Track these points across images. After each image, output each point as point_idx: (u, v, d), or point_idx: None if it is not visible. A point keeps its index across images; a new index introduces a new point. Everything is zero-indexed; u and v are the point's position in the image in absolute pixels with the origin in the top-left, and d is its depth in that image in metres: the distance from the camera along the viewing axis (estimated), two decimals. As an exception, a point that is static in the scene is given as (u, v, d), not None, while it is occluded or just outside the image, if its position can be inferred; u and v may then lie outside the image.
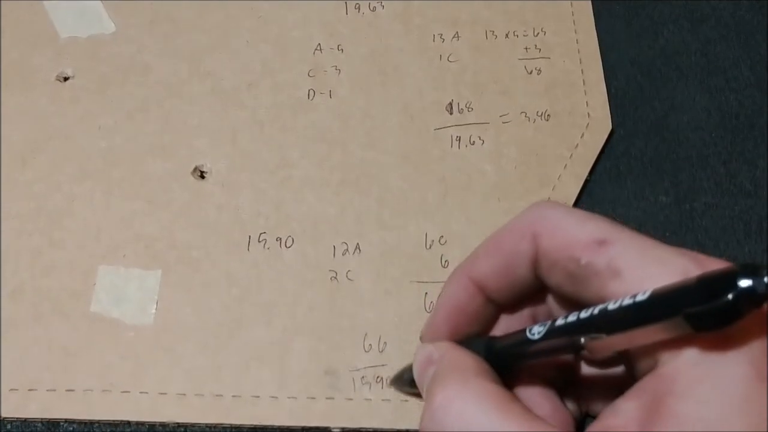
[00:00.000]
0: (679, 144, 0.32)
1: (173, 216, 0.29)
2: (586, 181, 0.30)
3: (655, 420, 0.17)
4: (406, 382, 0.24)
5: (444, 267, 0.28)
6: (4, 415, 0.25)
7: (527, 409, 0.18)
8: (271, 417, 0.25)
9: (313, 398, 0.25)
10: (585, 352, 0.18)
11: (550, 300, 0.23)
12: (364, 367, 0.26)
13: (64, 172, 0.30)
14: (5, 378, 0.26)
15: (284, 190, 0.29)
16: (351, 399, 0.25)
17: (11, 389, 0.25)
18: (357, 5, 0.34)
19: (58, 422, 0.25)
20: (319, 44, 0.33)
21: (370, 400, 0.25)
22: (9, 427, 0.25)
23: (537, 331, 0.20)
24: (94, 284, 0.27)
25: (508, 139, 0.31)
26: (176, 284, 0.27)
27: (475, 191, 0.29)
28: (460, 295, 0.23)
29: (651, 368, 0.18)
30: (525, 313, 0.23)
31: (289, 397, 0.25)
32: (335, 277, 0.27)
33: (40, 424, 0.25)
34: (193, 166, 0.30)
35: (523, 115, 0.31)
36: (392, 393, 0.25)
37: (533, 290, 0.22)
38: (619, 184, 0.31)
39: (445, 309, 0.23)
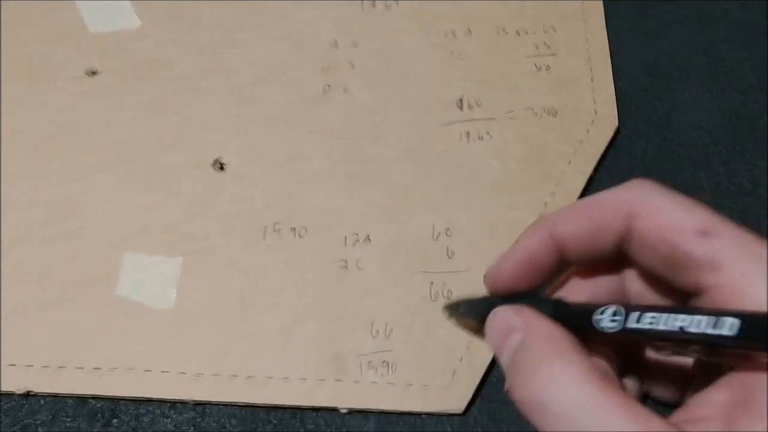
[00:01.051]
0: (681, 143, 0.32)
1: (192, 206, 0.30)
2: (591, 178, 0.31)
3: (743, 413, 0.17)
4: (461, 312, 0.25)
5: (450, 258, 0.29)
6: (37, 390, 0.27)
7: (623, 391, 0.19)
8: (283, 397, 0.27)
9: (323, 380, 0.27)
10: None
11: (626, 270, 0.23)
12: (371, 352, 0.27)
13: (88, 162, 0.31)
14: (37, 356, 0.27)
15: (297, 182, 0.31)
16: (358, 382, 0.27)
17: (43, 366, 0.27)
18: (373, 3, 0.35)
19: (87, 398, 0.27)
20: (335, 40, 0.34)
21: (377, 383, 0.27)
22: (42, 402, 0.27)
23: (608, 327, 0.20)
24: (119, 269, 0.29)
25: (514, 134, 0.32)
26: (195, 271, 0.29)
27: (481, 185, 0.31)
28: (537, 247, 0.23)
29: (740, 360, 0.18)
30: (594, 279, 0.24)
31: (299, 379, 0.27)
32: (345, 266, 0.29)
33: (70, 400, 0.27)
34: (212, 158, 0.31)
35: (530, 111, 0.32)
36: (397, 377, 0.27)
37: (609, 261, 0.23)
38: (621, 182, 0.31)
39: (517, 257, 0.23)
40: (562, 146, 0.32)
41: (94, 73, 0.34)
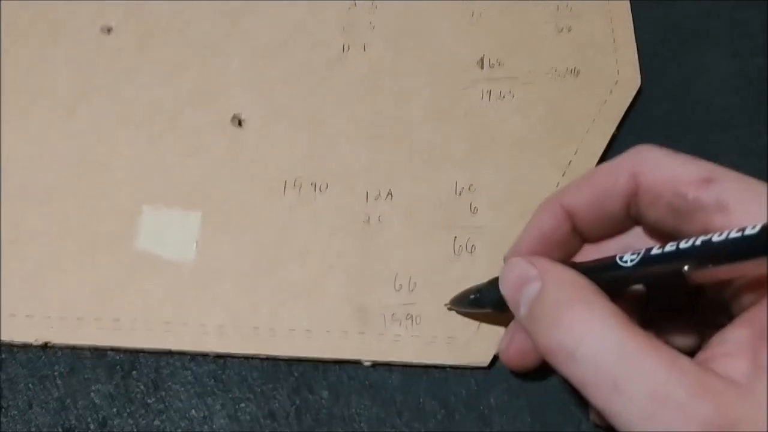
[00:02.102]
0: (703, 105, 0.32)
1: (212, 162, 0.30)
2: (614, 137, 0.31)
3: (763, 346, 0.17)
4: (469, 303, 0.25)
5: (473, 213, 0.29)
6: (54, 341, 0.27)
7: (648, 333, 0.18)
8: (306, 349, 0.26)
9: (346, 332, 0.26)
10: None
11: (635, 237, 0.24)
12: (395, 305, 0.27)
13: (108, 120, 0.31)
14: (55, 307, 0.27)
15: (318, 139, 0.30)
16: (382, 334, 0.26)
17: (61, 317, 0.27)
18: (392, -37, 0.35)
19: (105, 350, 0.27)
20: (354, 2, 0.34)
21: (400, 336, 0.26)
22: (60, 353, 0.27)
23: (629, 259, 0.20)
24: (138, 222, 0.28)
25: (536, 94, 0.31)
26: (215, 225, 0.29)
27: (503, 143, 0.30)
28: (548, 221, 0.24)
29: (756, 299, 0.19)
30: (608, 247, 0.24)
31: (322, 331, 0.27)
32: (367, 221, 0.28)
33: (88, 352, 0.27)
34: (231, 114, 0.31)
35: (553, 71, 0.32)
36: (421, 330, 0.27)
37: (621, 226, 0.23)
38: (643, 142, 0.31)
39: (532, 234, 0.24)
40: (585, 106, 0.31)
41: (109, 30, 0.33)
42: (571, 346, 0.18)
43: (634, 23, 0.33)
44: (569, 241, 0.24)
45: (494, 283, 0.24)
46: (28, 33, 0.33)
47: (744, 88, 0.32)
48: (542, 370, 0.26)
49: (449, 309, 0.27)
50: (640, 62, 0.32)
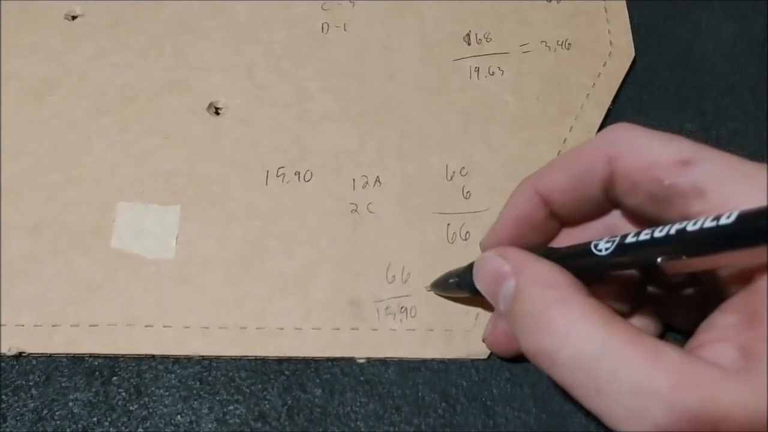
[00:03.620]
0: (705, 72, 0.31)
1: (191, 151, 0.28)
2: (609, 110, 0.29)
3: (751, 331, 0.17)
4: (450, 286, 0.24)
5: (466, 198, 0.27)
6: (29, 350, 0.25)
7: (631, 325, 0.18)
8: (296, 348, 0.25)
9: (338, 329, 0.25)
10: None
11: (617, 218, 0.23)
12: (388, 298, 0.26)
13: (79, 109, 0.29)
14: (28, 313, 0.25)
15: (302, 123, 0.29)
16: (375, 329, 0.25)
17: (35, 324, 0.25)
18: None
19: (83, 357, 0.25)
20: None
21: (395, 330, 0.25)
22: (34, 362, 0.25)
23: (604, 248, 0.19)
24: (114, 220, 0.27)
25: (528, 69, 0.30)
26: (196, 219, 0.27)
27: (496, 122, 0.29)
28: (524, 206, 0.23)
29: (742, 285, 0.18)
30: (588, 229, 0.23)
31: (313, 328, 0.25)
32: (356, 210, 0.27)
33: (65, 359, 0.25)
34: (208, 102, 0.29)
35: (544, 44, 0.31)
36: (417, 323, 0.25)
37: (599, 209, 0.22)
38: (643, 113, 0.30)
39: (507, 219, 0.23)
40: (579, 79, 0.30)
41: (74, 17, 0.31)
42: (552, 350, 0.18)
43: (626, -10, 0.32)
44: (547, 225, 0.23)
45: (472, 268, 0.22)
46: None
47: (745, 51, 0.31)
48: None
49: (428, 291, 0.26)
50: (635, 31, 0.31)
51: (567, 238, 0.24)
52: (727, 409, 0.16)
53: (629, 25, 0.31)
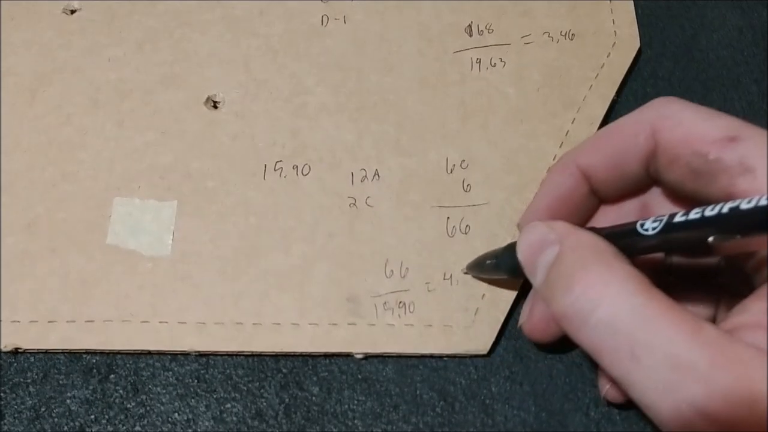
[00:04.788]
0: (710, 64, 0.30)
1: (187, 146, 0.28)
2: (614, 102, 0.29)
3: None
4: (487, 267, 0.24)
5: (466, 191, 0.27)
6: (25, 346, 0.25)
7: (670, 299, 0.17)
8: (293, 344, 0.25)
9: (335, 324, 0.25)
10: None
11: (655, 197, 0.22)
12: (386, 293, 0.25)
13: (74, 104, 0.29)
14: (24, 310, 0.25)
15: (300, 117, 0.28)
16: (373, 325, 0.25)
17: (31, 321, 0.25)
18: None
19: (81, 354, 0.25)
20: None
21: (393, 325, 0.25)
22: (32, 359, 0.25)
23: (651, 227, 0.18)
24: (110, 216, 0.27)
25: (530, 60, 0.30)
26: (192, 214, 0.27)
27: (496, 114, 0.28)
28: (564, 183, 0.23)
29: None
30: (624, 207, 0.23)
31: (310, 324, 0.25)
32: (354, 204, 0.27)
33: (62, 357, 0.25)
34: (205, 96, 0.29)
35: (546, 35, 0.30)
36: (415, 318, 0.25)
37: (639, 185, 0.22)
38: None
39: (546, 197, 0.23)
40: (583, 71, 0.29)
41: (73, 11, 0.31)
42: (587, 309, 0.17)
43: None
44: (586, 203, 0.23)
45: (511, 248, 0.22)
46: None
47: (750, 42, 0.30)
48: (545, 358, 0.24)
49: (465, 273, 0.25)
50: (642, 20, 0.31)
51: (604, 218, 0.23)
52: (761, 394, 0.15)
53: (634, 16, 0.30)
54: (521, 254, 0.20)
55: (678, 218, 0.18)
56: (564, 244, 0.19)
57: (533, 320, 0.23)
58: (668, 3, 0.31)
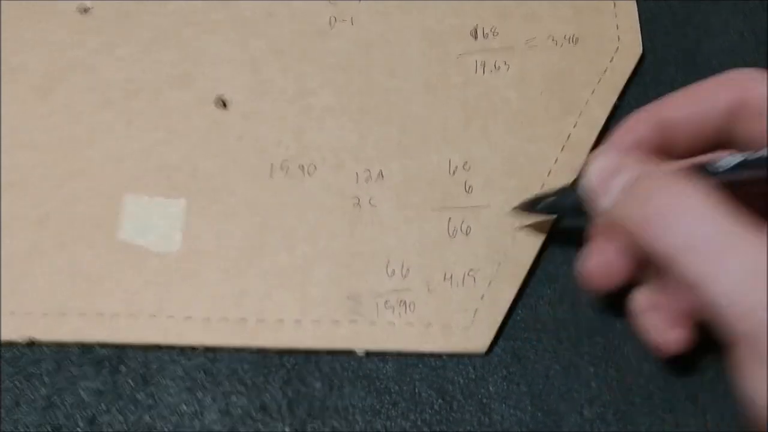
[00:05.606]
0: (713, 70, 0.30)
1: (195, 145, 0.29)
2: (615, 107, 0.29)
3: None
4: (541, 207, 0.25)
5: (468, 193, 0.27)
6: (39, 337, 0.26)
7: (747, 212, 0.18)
8: (296, 340, 0.25)
9: (337, 322, 0.26)
10: None
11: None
12: (388, 292, 0.26)
13: (85, 102, 0.30)
14: (36, 303, 0.26)
15: (305, 118, 0.29)
16: (374, 323, 0.26)
17: (43, 313, 0.26)
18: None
19: (92, 347, 0.26)
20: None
21: (394, 324, 0.26)
22: (46, 351, 0.26)
23: (730, 162, 0.20)
24: (120, 213, 0.27)
25: (533, 64, 0.30)
26: (199, 212, 0.27)
27: (499, 117, 0.29)
28: (641, 130, 0.23)
29: None
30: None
31: (312, 321, 0.26)
32: (358, 203, 0.27)
33: (75, 349, 0.26)
34: (214, 96, 0.30)
35: (550, 39, 0.31)
36: (416, 317, 0.26)
37: (708, 145, 0.23)
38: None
39: (620, 141, 0.23)
40: (585, 75, 0.30)
41: (86, 10, 0.32)
42: (672, 212, 0.18)
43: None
44: (654, 156, 0.23)
45: (570, 188, 0.24)
46: (5, 16, 0.32)
47: (753, 49, 0.31)
48: (541, 358, 0.25)
49: (514, 212, 0.26)
50: (645, 25, 0.31)
51: None
52: None
53: (638, 21, 0.31)
54: (593, 176, 0.22)
55: (758, 153, 0.19)
56: (643, 169, 0.20)
57: (593, 264, 0.23)
58: (672, 8, 0.32)
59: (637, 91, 0.30)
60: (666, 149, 0.23)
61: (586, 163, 0.24)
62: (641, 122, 0.23)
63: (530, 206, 0.26)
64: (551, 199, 0.25)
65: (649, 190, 0.20)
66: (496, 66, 0.30)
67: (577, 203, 0.23)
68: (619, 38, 0.31)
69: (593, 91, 0.29)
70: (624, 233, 0.21)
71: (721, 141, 0.23)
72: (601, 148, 0.24)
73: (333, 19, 0.31)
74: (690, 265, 0.18)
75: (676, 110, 0.23)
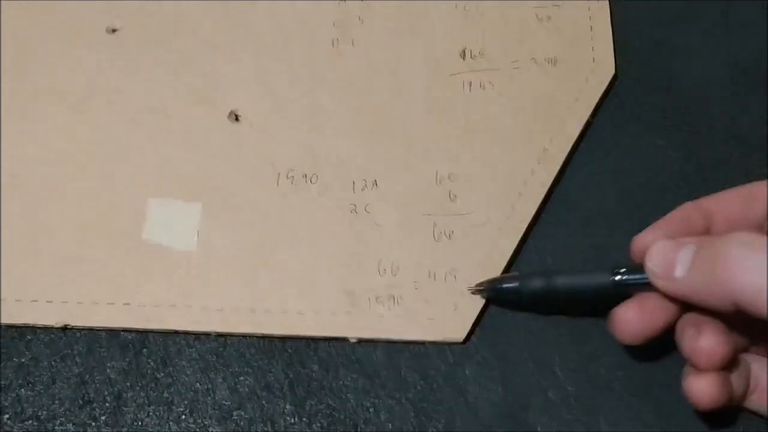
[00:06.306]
0: (682, 91, 0.33)
1: (210, 156, 0.32)
2: (588, 123, 0.32)
3: None
4: (503, 291, 0.28)
5: (452, 201, 0.31)
6: (73, 323, 0.29)
7: None
8: (298, 328, 0.29)
9: (334, 313, 0.29)
10: None
11: None
12: (379, 288, 0.29)
13: (114, 117, 0.33)
14: (71, 292, 0.30)
15: (309, 131, 0.32)
16: (367, 314, 0.29)
17: (78, 302, 0.30)
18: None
19: (119, 332, 0.30)
20: (344, -5, 0.35)
21: (383, 315, 0.29)
22: (78, 335, 0.30)
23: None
24: (144, 216, 0.31)
25: (516, 84, 0.33)
26: (214, 215, 0.31)
27: (483, 132, 0.32)
28: (689, 215, 0.26)
29: None
30: None
31: (313, 312, 0.29)
32: (354, 210, 0.31)
33: (104, 334, 0.30)
34: (228, 110, 0.33)
35: (533, 61, 0.34)
36: (403, 309, 0.29)
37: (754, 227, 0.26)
38: (620, 128, 0.33)
39: (669, 223, 0.26)
40: (562, 94, 0.33)
41: (114, 30, 0.35)
42: (756, 283, 0.21)
43: (615, 9, 0.34)
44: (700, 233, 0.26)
45: (538, 275, 0.27)
46: (37, 35, 0.35)
47: (724, 73, 0.33)
48: (513, 347, 0.28)
49: (474, 292, 0.29)
50: (619, 49, 0.33)
51: None
52: None
53: (612, 45, 0.34)
54: (658, 255, 0.24)
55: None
56: (701, 241, 0.23)
57: (631, 323, 0.26)
58: (648, 32, 0.34)
59: (611, 108, 0.33)
60: (711, 226, 0.26)
61: (637, 249, 0.27)
62: (690, 207, 0.26)
63: (491, 286, 0.29)
64: (513, 284, 0.28)
65: (716, 250, 0.22)
66: (482, 86, 0.33)
67: (538, 292, 0.27)
68: (594, 60, 0.34)
69: (569, 109, 0.33)
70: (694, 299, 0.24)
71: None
72: (649, 232, 0.26)
73: (336, 41, 0.34)
74: None
75: (719, 199, 0.26)
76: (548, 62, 0.34)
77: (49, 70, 0.34)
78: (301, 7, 0.35)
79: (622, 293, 0.26)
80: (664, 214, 0.27)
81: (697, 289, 0.23)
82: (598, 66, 0.33)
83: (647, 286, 0.25)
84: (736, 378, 0.25)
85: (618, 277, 0.26)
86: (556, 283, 0.27)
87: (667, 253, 0.24)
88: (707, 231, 0.26)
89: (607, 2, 0.35)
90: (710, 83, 0.33)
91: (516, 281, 0.28)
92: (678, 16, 0.35)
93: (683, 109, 0.33)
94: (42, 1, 0.35)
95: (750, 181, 0.27)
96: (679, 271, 0.23)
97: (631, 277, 0.26)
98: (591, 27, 0.34)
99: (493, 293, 0.28)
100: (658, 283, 0.25)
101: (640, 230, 0.27)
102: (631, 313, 0.26)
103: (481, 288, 0.29)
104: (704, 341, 0.24)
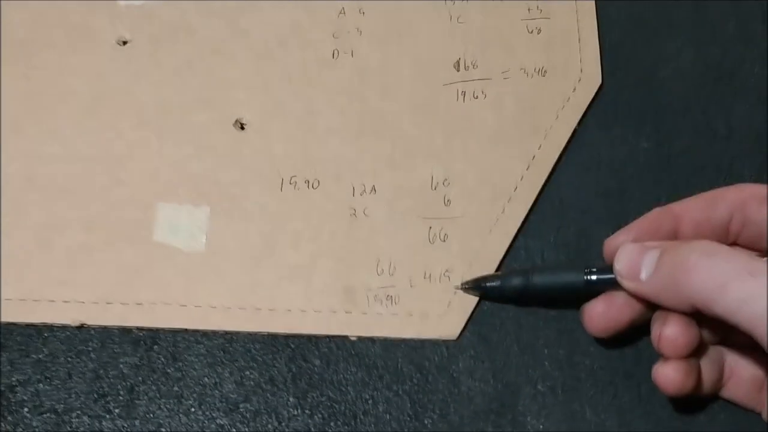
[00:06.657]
0: (663, 92, 0.35)
1: (217, 160, 0.34)
2: (575, 131, 0.34)
3: None
4: (488, 290, 0.30)
5: (446, 205, 0.32)
6: (88, 322, 0.31)
7: None
8: (300, 326, 0.31)
9: (335, 312, 0.31)
10: None
11: None
12: (377, 287, 0.31)
13: (124, 122, 0.34)
14: (86, 292, 0.31)
15: (311, 137, 0.34)
16: (365, 313, 0.31)
17: (93, 302, 0.31)
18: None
19: (131, 329, 0.31)
20: (343, 8, 0.37)
21: (381, 314, 0.31)
22: (92, 332, 0.31)
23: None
24: (154, 218, 0.33)
25: (507, 93, 0.35)
26: (221, 218, 0.32)
27: (475, 139, 0.34)
28: (658, 218, 0.28)
29: None
30: None
31: (314, 311, 0.31)
32: (354, 213, 0.32)
33: (116, 330, 0.31)
34: (234, 118, 0.34)
35: (523, 71, 0.35)
36: (399, 309, 0.31)
37: (719, 237, 0.27)
38: (606, 130, 0.34)
39: (639, 226, 0.28)
40: (551, 103, 0.34)
41: (125, 42, 0.37)
42: (717, 287, 0.22)
43: (601, 16, 0.36)
44: (668, 237, 0.28)
45: (516, 273, 0.29)
46: (55, 45, 0.36)
47: (703, 74, 0.35)
48: (503, 340, 0.30)
49: (458, 290, 0.31)
50: (606, 55, 0.35)
51: None
52: None
53: (599, 55, 0.35)
54: (625, 258, 0.26)
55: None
56: (664, 245, 0.25)
57: (598, 317, 0.28)
58: (633, 38, 0.36)
59: (597, 111, 0.34)
60: (679, 229, 0.28)
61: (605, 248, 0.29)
62: (659, 211, 0.28)
63: (476, 285, 0.30)
64: (496, 283, 0.30)
65: (682, 264, 0.24)
66: (475, 95, 0.35)
67: (518, 289, 0.29)
68: (581, 70, 0.35)
69: (557, 117, 0.34)
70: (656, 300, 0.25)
71: (730, 238, 0.27)
72: (620, 235, 0.28)
73: (336, 52, 0.36)
74: (747, 327, 0.22)
75: (686, 203, 0.28)
76: (538, 72, 0.35)
77: (62, 78, 0.35)
78: (302, 20, 0.37)
79: (594, 290, 0.28)
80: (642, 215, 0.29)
81: (659, 290, 0.25)
82: (586, 76, 0.35)
83: (616, 286, 0.27)
84: (707, 366, 0.27)
85: (589, 277, 0.28)
86: (534, 282, 0.29)
87: (633, 256, 0.26)
88: (675, 233, 0.28)
89: (594, 13, 0.36)
90: (688, 83, 0.35)
91: (498, 280, 0.30)
92: (656, 19, 0.36)
93: (662, 109, 0.34)
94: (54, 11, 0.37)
95: (734, 183, 0.29)
96: (644, 274, 0.25)
97: (601, 276, 0.28)
98: (579, 39, 0.36)
99: (478, 291, 0.30)
100: (624, 283, 0.26)
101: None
102: (600, 308, 0.28)
103: (467, 286, 0.30)
104: (668, 330, 0.25)
